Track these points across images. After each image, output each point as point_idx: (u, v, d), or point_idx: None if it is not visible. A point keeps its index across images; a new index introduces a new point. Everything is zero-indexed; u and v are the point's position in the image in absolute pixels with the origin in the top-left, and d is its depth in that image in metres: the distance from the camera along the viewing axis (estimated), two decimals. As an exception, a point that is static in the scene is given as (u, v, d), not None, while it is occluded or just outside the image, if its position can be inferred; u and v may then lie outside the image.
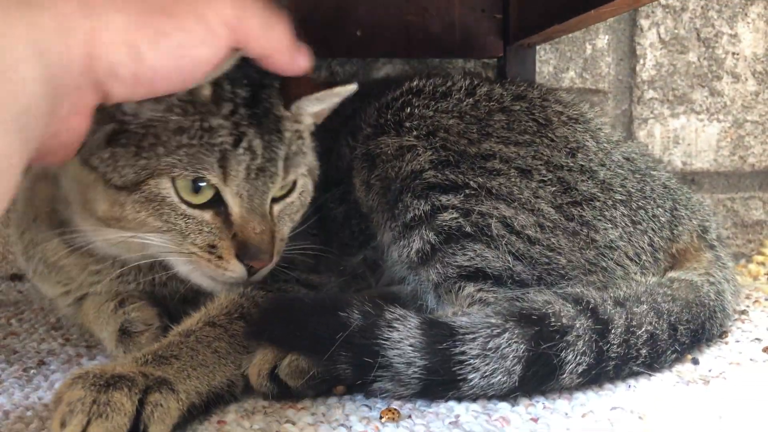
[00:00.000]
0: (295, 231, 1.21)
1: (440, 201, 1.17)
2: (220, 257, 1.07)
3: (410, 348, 0.95)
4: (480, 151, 1.22)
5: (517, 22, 1.72)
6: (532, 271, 1.13)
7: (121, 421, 0.85)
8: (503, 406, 0.98)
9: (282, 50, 0.98)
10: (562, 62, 1.89)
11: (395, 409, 0.96)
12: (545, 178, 1.20)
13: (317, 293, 1.21)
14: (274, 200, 1.14)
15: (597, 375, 1.01)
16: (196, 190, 1.06)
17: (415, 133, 1.25)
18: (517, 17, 1.72)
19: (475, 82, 1.36)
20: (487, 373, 0.95)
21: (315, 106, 1.18)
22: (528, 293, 1.08)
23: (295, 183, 1.17)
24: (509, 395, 0.99)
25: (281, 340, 1.00)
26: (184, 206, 1.06)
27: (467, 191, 1.17)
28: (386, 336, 0.95)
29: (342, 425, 0.93)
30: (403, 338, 0.95)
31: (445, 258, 1.14)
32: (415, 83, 1.35)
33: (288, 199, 1.17)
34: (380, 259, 1.33)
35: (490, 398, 0.99)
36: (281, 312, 1.03)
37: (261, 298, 1.15)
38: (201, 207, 1.07)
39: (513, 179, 1.19)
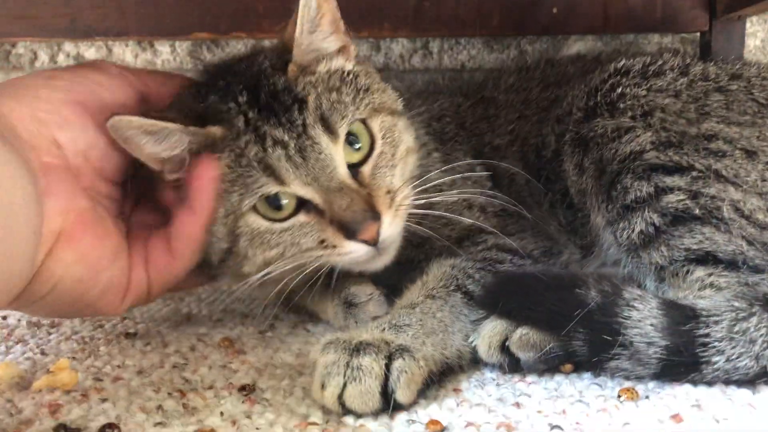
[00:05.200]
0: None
1: (665, 182, 1.15)
2: (334, 246, 1.11)
3: (651, 327, 0.95)
4: (701, 131, 1.19)
5: (727, -6, 1.64)
6: (765, 256, 1.10)
7: (373, 384, 0.92)
8: (744, 393, 0.95)
9: None
10: (772, 35, 1.78)
11: (633, 389, 0.96)
12: None
13: (548, 269, 1.23)
14: (359, 164, 1.14)
15: None
16: (278, 206, 1.11)
17: (630, 113, 1.23)
18: (726, -11, 1.64)
19: (687, 61, 1.33)
20: (732, 357, 0.94)
21: (316, 44, 1.15)
22: (764, 279, 1.07)
23: (370, 132, 1.16)
24: (753, 381, 0.97)
25: (516, 312, 1.03)
26: (277, 224, 1.12)
27: (693, 173, 1.15)
28: (626, 314, 0.96)
29: (579, 401, 0.95)
30: (643, 317, 0.96)
31: (671, 240, 1.13)
32: (621, 63, 1.33)
33: (375, 152, 1.16)
34: (592, 243, 1.33)
35: (727, 383, 0.98)
36: (515, 285, 1.06)
37: (471, 269, 1.19)
38: (293, 214, 1.12)
39: (739, 161, 1.16)
